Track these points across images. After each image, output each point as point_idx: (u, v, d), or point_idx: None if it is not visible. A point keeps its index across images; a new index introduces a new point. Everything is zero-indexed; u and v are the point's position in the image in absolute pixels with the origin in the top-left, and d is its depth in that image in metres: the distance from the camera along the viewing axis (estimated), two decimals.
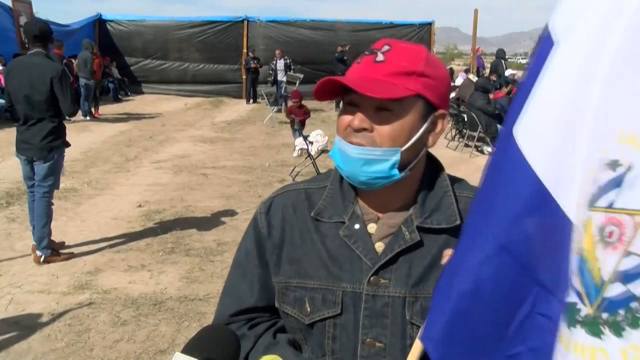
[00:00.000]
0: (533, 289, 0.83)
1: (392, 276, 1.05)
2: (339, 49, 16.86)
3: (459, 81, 15.42)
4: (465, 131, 10.27)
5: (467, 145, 10.11)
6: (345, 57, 16.23)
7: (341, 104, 1.07)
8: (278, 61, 15.79)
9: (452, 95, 12.48)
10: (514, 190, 0.85)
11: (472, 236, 0.90)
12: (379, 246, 1.07)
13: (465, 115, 10.11)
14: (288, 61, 15.79)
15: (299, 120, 8.35)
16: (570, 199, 0.79)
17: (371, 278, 1.05)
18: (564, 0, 0.83)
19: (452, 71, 18.96)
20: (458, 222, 1.05)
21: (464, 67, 22.33)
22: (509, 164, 0.86)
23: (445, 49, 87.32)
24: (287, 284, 1.12)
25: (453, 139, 10.85)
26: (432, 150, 1.13)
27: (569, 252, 0.79)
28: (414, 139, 1.02)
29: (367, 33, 17.65)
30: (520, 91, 0.89)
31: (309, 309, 1.09)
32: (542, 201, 0.81)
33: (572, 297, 0.78)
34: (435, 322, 0.93)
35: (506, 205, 0.86)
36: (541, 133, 0.82)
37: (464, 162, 9.03)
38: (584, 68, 0.78)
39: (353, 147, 1.01)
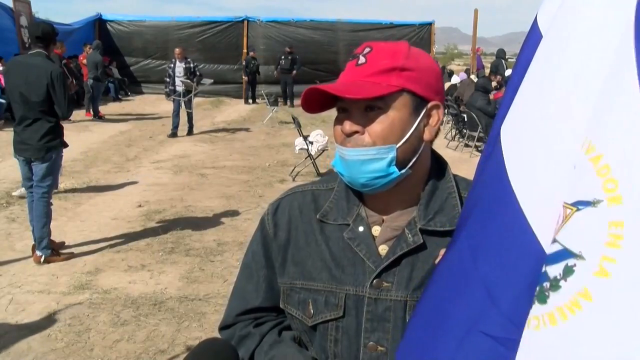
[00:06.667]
0: (485, 305, 0.81)
1: (394, 279, 1.05)
2: (287, 49, 16.16)
3: (455, 79, 15.40)
4: (465, 131, 10.27)
5: (467, 145, 10.11)
6: (289, 57, 15.72)
7: None
8: (177, 63, 10.81)
9: (453, 95, 12.49)
10: (488, 196, 0.85)
11: (450, 244, 0.93)
12: (383, 249, 1.07)
13: (465, 115, 10.11)
14: (191, 65, 10.97)
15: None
16: (539, 215, 0.77)
17: (374, 281, 1.05)
18: None
19: (451, 72, 18.97)
20: None
21: (464, 67, 22.35)
22: (490, 168, 0.86)
23: (445, 49, 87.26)
24: (292, 285, 1.13)
25: (453, 139, 10.85)
26: None
27: (530, 269, 0.77)
28: (408, 134, 1.02)
29: (367, 33, 17.65)
30: (509, 87, 0.88)
31: (312, 311, 1.09)
32: (512, 216, 0.80)
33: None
34: (408, 338, 0.94)
35: (477, 207, 0.86)
36: (521, 133, 0.81)
37: (464, 162, 9.02)
38: (570, 64, 0.77)
39: (348, 150, 1.01)
